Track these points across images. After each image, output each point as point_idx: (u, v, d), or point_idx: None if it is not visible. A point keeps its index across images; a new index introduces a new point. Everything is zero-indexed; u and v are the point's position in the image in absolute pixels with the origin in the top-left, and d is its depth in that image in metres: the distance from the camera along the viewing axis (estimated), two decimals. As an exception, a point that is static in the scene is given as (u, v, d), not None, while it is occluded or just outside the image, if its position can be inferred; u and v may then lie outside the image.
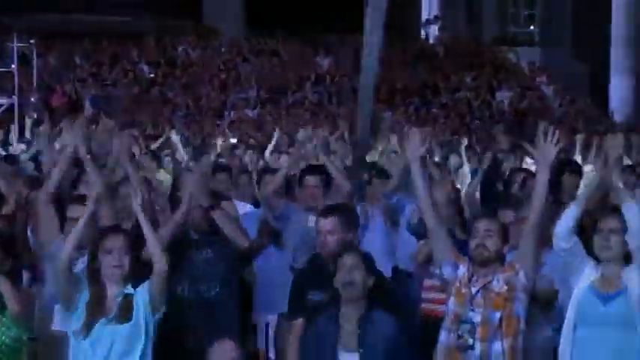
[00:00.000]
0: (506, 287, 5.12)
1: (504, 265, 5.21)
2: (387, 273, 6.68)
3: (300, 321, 5.51)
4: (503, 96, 25.58)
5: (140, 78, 24.28)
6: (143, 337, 4.93)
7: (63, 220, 5.89)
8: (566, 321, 5.16)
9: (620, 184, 5.09)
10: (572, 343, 5.07)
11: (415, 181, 5.41)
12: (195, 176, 6.31)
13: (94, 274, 4.96)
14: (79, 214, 5.37)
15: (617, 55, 28.25)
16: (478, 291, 5.13)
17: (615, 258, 5.05)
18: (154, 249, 4.99)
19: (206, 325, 5.83)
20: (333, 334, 4.99)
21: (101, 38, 25.63)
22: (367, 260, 5.18)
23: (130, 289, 4.97)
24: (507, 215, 6.11)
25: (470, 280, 5.17)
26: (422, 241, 6.76)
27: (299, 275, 5.99)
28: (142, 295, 4.96)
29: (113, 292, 4.95)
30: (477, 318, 5.08)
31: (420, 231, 6.80)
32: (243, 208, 7.42)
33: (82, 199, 5.80)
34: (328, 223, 5.64)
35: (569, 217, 5.16)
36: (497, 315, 5.07)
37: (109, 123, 7.42)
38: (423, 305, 6.74)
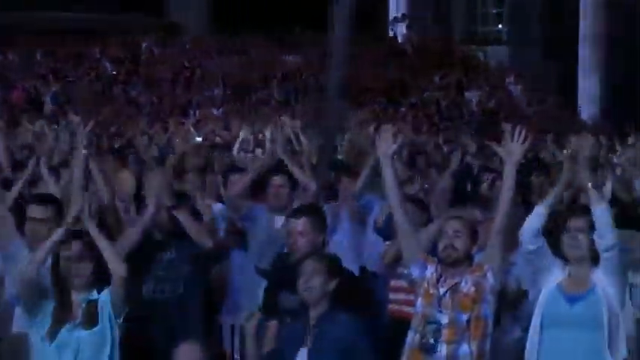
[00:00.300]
0: (474, 289, 5.14)
1: (473, 266, 5.23)
2: (355, 274, 6.69)
3: (274, 323, 5.52)
4: (472, 95, 25.71)
5: (102, 75, 24.14)
6: (109, 342, 4.92)
7: (22, 220, 5.83)
8: (532, 322, 5.19)
9: (590, 184, 5.11)
10: (539, 344, 5.11)
11: (386, 180, 5.42)
12: (160, 176, 6.28)
13: (58, 280, 4.94)
14: (39, 214, 5.34)
15: (586, 54, 28.48)
16: (446, 292, 5.15)
17: (583, 258, 5.09)
18: (110, 257, 4.96)
19: (171, 326, 5.82)
20: (301, 335, 5.02)
21: (63, 35, 25.44)
22: (332, 263, 5.19)
23: (94, 295, 4.95)
24: (475, 214, 6.14)
25: (438, 280, 5.19)
26: (389, 242, 6.78)
27: (272, 278, 5.99)
28: (106, 299, 4.94)
29: (78, 298, 4.93)
30: (445, 319, 5.10)
31: (387, 232, 6.82)
32: (216, 207, 7.38)
33: (41, 199, 5.77)
34: (299, 224, 5.65)
35: (536, 218, 5.19)
36: (465, 317, 5.09)
37: (76, 119, 7.31)
38: (391, 306, 6.76)
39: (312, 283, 5.01)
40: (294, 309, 5.33)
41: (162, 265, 6.10)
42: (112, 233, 6.05)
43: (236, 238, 7.25)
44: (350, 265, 6.48)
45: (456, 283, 5.16)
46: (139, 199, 6.55)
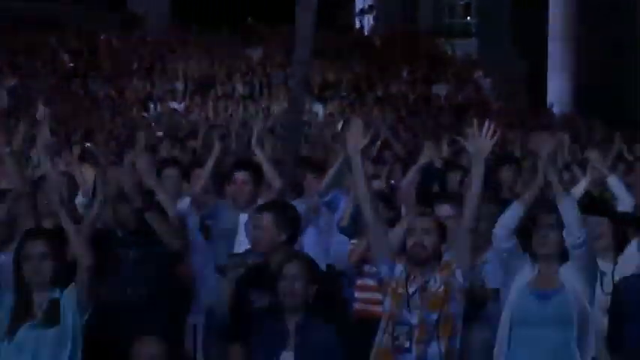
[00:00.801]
0: (443, 287, 5.16)
1: (441, 265, 5.25)
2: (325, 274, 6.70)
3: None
4: (440, 89, 25.79)
5: (60, 68, 23.92)
6: (70, 342, 4.89)
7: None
8: (501, 320, 5.23)
9: (556, 180, 5.16)
10: (507, 342, 5.14)
11: (355, 175, 5.41)
12: (124, 171, 6.26)
13: (19, 279, 4.92)
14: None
15: (555, 50, 28.64)
16: (415, 291, 5.16)
17: (552, 255, 5.14)
18: (78, 246, 4.95)
19: (134, 327, 5.79)
20: (280, 337, 5.02)
21: (18, 26, 25.14)
22: (312, 267, 5.21)
23: (56, 294, 4.92)
24: (444, 209, 6.14)
25: (407, 279, 5.20)
26: (355, 241, 6.80)
27: (239, 279, 5.95)
28: (68, 298, 4.91)
29: (39, 297, 4.91)
30: (414, 319, 5.11)
31: (351, 230, 6.84)
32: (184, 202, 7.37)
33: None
34: (262, 220, 5.63)
35: (512, 217, 5.23)
36: (435, 316, 5.11)
37: (45, 111, 7.26)
38: (357, 305, 6.78)
39: (295, 287, 5.00)
40: (265, 308, 5.32)
41: (125, 264, 6.07)
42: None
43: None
44: (317, 263, 6.49)
45: (425, 282, 5.18)
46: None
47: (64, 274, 4.94)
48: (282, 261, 5.19)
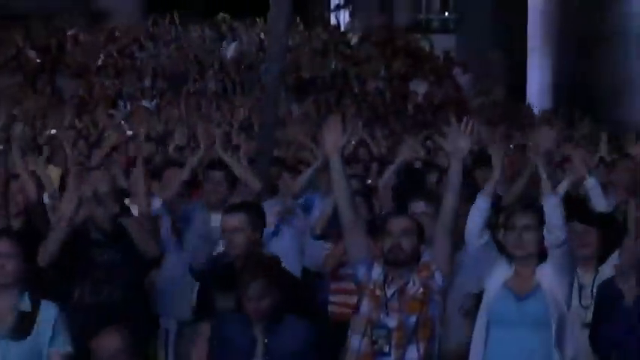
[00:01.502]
0: (422, 289, 5.18)
1: (419, 266, 5.26)
2: (297, 275, 6.73)
3: (206, 325, 5.50)
4: (417, 86, 25.83)
5: (26, 64, 23.77)
6: (44, 357, 4.80)
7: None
8: (477, 321, 5.28)
9: (546, 177, 5.20)
10: (484, 344, 5.18)
11: (334, 175, 5.42)
12: (99, 174, 6.27)
13: None
14: None
15: (535, 47, 28.68)
16: (393, 294, 5.18)
17: (529, 256, 5.19)
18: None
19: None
20: (245, 342, 5.02)
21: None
22: (278, 274, 5.21)
23: (25, 300, 4.81)
24: (419, 206, 6.14)
25: (384, 282, 5.21)
26: (329, 245, 6.82)
27: (205, 279, 5.97)
28: (48, 313, 4.81)
29: (6, 302, 4.79)
30: (393, 323, 5.14)
31: (326, 235, 6.86)
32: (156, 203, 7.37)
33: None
34: (235, 220, 5.65)
35: (478, 211, 5.26)
36: (413, 319, 5.14)
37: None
38: (332, 309, 6.81)
39: (262, 305, 4.98)
40: (231, 310, 5.33)
41: (99, 266, 6.06)
42: (41, 233, 6.02)
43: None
44: (292, 266, 6.51)
45: (403, 284, 5.19)
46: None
47: (33, 279, 4.87)
48: (248, 275, 5.10)
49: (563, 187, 7.54)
